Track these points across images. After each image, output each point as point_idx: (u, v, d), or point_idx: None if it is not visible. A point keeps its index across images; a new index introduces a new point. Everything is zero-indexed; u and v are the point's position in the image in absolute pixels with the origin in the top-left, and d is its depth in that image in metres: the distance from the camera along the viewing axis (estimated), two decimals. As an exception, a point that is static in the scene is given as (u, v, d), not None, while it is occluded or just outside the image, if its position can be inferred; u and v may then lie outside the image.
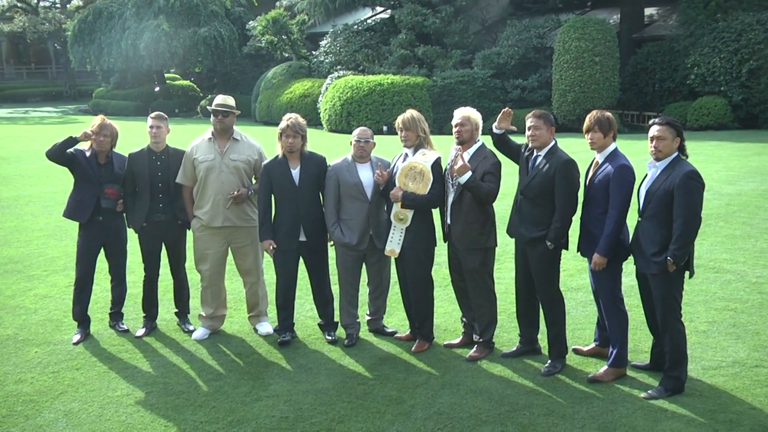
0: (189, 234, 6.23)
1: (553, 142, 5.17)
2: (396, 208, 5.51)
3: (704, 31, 22.07)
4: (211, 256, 5.99)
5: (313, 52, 32.35)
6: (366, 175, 5.67)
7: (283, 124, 5.70)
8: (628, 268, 5.43)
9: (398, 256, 5.56)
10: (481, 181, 5.25)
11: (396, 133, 5.66)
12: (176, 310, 6.43)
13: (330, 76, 28.42)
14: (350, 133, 5.82)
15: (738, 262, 7.82)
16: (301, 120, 5.75)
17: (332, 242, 5.85)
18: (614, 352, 5.08)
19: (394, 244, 5.56)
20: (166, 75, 41.78)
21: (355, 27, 30.68)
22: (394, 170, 5.58)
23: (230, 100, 6.03)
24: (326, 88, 27.58)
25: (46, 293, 7.39)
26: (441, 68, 26.56)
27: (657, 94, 24.17)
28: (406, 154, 5.59)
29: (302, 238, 5.73)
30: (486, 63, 25.55)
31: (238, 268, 6.25)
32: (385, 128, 23.87)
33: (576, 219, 5.16)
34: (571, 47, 22.55)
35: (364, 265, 5.94)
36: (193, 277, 6.47)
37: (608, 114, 5.04)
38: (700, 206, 4.60)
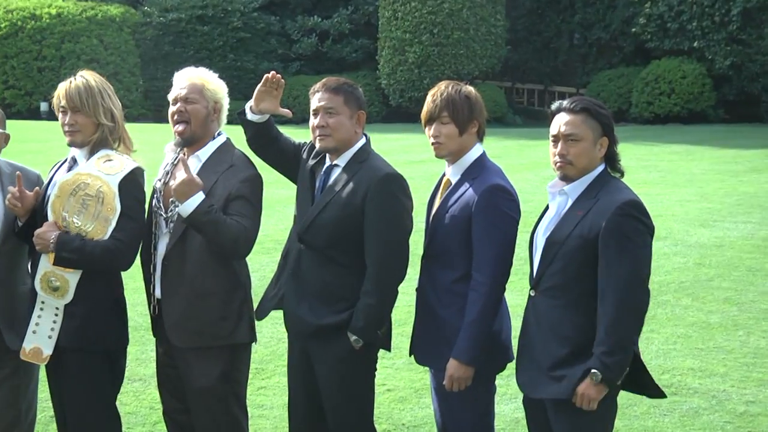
0: None
1: (362, 141, 4.02)
2: (46, 264, 3.98)
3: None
4: None
5: None
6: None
7: None
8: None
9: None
10: (224, 214, 3.92)
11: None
12: None
13: None
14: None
15: (715, 375, 5.92)
16: None
17: None
18: None
19: (40, 339, 4.05)
20: None
21: None
22: (50, 187, 4.19)
23: None
24: None
25: None
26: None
27: (575, 52, 19.89)
28: (73, 160, 4.21)
29: None
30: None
31: None
32: (44, 106, 19.78)
33: (407, 291, 3.97)
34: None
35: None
36: None
37: (470, 90, 3.87)
38: (647, 268, 3.49)
